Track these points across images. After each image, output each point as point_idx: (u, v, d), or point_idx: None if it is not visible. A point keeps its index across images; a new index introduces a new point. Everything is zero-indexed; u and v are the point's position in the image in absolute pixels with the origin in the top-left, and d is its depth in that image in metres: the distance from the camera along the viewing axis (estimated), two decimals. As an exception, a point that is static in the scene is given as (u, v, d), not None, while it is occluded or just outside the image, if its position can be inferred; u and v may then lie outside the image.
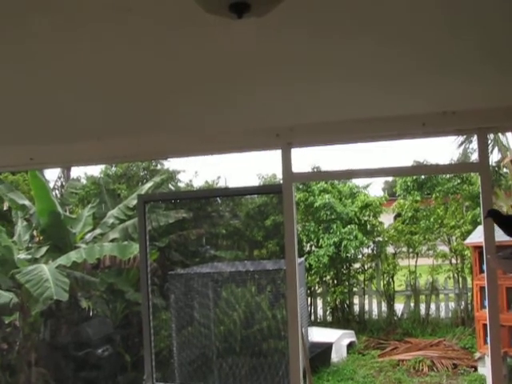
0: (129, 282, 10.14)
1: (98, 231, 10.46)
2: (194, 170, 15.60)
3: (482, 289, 8.98)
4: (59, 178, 13.30)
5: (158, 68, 2.97)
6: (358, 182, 14.44)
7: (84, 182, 13.16)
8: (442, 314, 13.19)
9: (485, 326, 7.56)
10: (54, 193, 11.96)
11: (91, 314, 10.68)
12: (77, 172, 13.92)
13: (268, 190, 9.92)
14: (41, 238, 10.32)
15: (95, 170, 13.71)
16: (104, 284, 10.20)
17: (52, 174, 15.39)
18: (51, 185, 12.42)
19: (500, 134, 13.17)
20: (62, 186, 12.84)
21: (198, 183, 13.84)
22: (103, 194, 11.51)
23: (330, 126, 4.20)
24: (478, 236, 9.18)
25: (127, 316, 10.49)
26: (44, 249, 9.66)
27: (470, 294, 12.37)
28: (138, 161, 11.86)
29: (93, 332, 9.61)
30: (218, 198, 12.63)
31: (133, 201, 10.26)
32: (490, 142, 13.27)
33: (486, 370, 9.12)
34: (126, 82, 3.20)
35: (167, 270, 10.19)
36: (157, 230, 10.78)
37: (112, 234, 10.26)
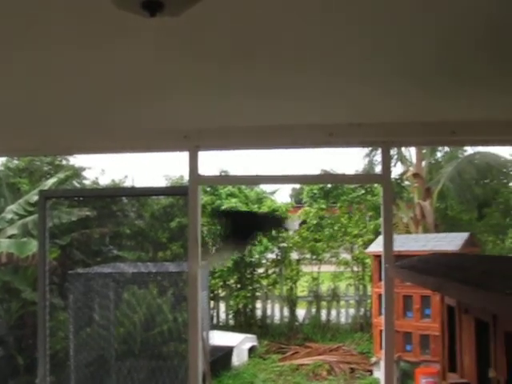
0: (26, 281, 9.74)
1: (-6, 226, 10.02)
2: (101, 168, 15.28)
3: (380, 296, 9.26)
4: (-47, 168, 12.64)
5: (70, 64, 2.87)
6: (266, 187, 14.62)
7: (-19, 174, 12.56)
8: (342, 320, 13.52)
9: (381, 331, 7.81)
10: None
11: (-18, 313, 10.21)
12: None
13: (174, 191, 9.83)
14: None
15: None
16: (-1, 282, 9.78)
17: None
18: None
19: (403, 148, 13.66)
20: (-43, 177, 12.20)
21: (104, 181, 13.55)
22: (2, 187, 11.02)
23: (238, 132, 4.21)
24: (378, 245, 9.47)
25: (22, 316, 10.07)
26: None
27: (369, 300, 12.74)
28: (42, 155, 11.45)
29: (-17, 333, 9.17)
30: (123, 198, 12.39)
31: (34, 196, 9.90)
32: (394, 155, 13.75)
33: (380, 373, 9.41)
34: (35, 74, 3.07)
35: (68, 269, 9.87)
36: (58, 228, 10.43)
37: (10, 229, 9.86)
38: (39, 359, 4.90)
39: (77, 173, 13.03)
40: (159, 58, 2.79)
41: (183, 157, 4.40)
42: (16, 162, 12.70)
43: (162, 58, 2.80)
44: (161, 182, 14.07)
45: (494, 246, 13.39)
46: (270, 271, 13.83)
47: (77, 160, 13.33)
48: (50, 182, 10.98)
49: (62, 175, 11.38)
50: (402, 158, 14.08)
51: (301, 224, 15.10)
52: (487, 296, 1.66)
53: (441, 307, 3.20)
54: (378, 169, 13.85)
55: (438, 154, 15.42)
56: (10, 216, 10.09)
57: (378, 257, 9.63)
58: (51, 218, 9.23)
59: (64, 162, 13.25)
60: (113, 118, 4.11)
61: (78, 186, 12.77)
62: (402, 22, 2.37)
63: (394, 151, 13.56)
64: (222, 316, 13.88)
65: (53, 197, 7.29)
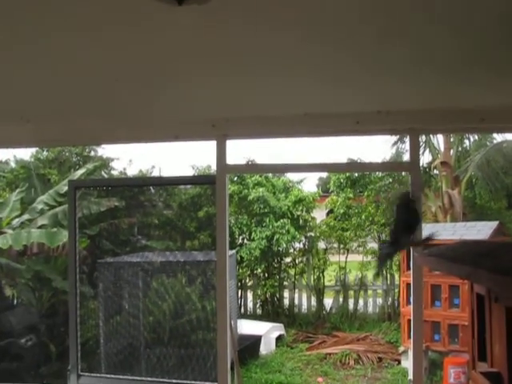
0: (57, 270, 9.89)
1: (25, 217, 10.15)
2: (129, 159, 15.37)
3: (408, 285, 9.21)
4: (-15, 160, 12.84)
5: (96, 54, 2.90)
6: (292, 176, 14.57)
7: (13, 165, 12.73)
8: (370, 310, 13.48)
9: (409, 321, 7.78)
10: (-21, 176, 11.56)
11: (15, 302, 10.38)
12: (5, 154, 13.44)
13: (201, 180, 9.85)
14: (-36, 222, 9.96)
15: (25, 154, 13.29)
16: (30, 271, 9.91)
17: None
18: (-24, 167, 11.98)
19: (431, 136, 13.52)
20: (-11, 168, 12.40)
21: (131, 172, 13.65)
22: (33, 178, 11.16)
23: (265, 120, 4.21)
24: (406, 234, 9.41)
25: (54, 305, 10.23)
26: (-33, 233, 9.32)
27: (397, 290, 12.68)
28: (71, 145, 11.57)
29: (16, 321, 9.30)
30: (151, 188, 12.47)
31: (64, 187, 10.01)
32: (421, 143, 13.61)
33: (408, 363, 9.38)
34: (62, 64, 3.10)
35: (97, 258, 9.99)
36: (88, 218, 10.54)
37: (41, 220, 10.00)
38: (71, 347, 4.99)
39: (105, 163, 13.15)
40: (186, 46, 2.79)
41: (210, 146, 4.43)
42: (45, 153, 12.87)
43: (188, 46, 2.80)
44: (188, 172, 14.13)
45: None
46: (297, 260, 13.82)
47: (105, 151, 13.48)
48: (79, 172, 11.10)
49: (90, 166, 11.49)
50: (429, 147, 13.94)
51: (328, 213, 15.06)
52: (518, 283, 1.65)
53: (470, 296, 3.17)
54: (406, 157, 13.75)
55: (466, 142, 15.23)
56: (40, 206, 10.22)
57: (406, 246, 9.56)
58: (81, 209, 9.35)
59: (92, 153, 13.39)
60: (140, 108, 4.14)
61: (106, 176, 12.90)
62: (429, 10, 2.35)
63: (421, 139, 13.43)
64: (250, 305, 13.94)
65: (82, 186, 7.38)
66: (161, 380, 7.38)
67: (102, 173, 12.85)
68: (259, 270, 13.58)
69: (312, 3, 2.31)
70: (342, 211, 13.59)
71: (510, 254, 2.24)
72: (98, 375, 6.01)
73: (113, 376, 6.09)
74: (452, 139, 13.61)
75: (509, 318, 2.41)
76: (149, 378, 8.09)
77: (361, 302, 13.47)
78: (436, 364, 9.41)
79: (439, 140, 13.65)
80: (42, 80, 3.38)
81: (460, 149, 14.66)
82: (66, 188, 9.51)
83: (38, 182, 11.18)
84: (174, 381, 6.93)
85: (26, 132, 4.60)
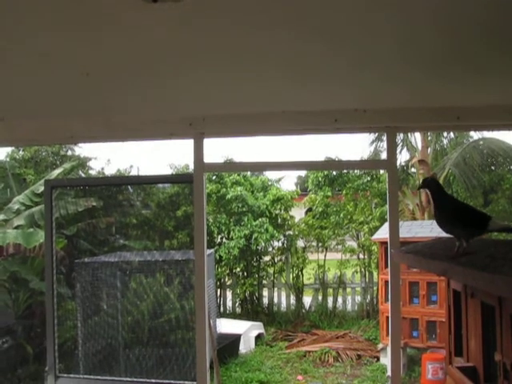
0: (33, 271, 9.78)
1: (1, 217, 10.03)
2: (107, 158, 15.29)
3: (386, 283, 9.27)
4: (-40, 159, 12.67)
5: (72, 52, 2.86)
6: (271, 175, 14.62)
7: (-12, 165, 12.59)
8: (349, 307, 13.56)
9: (388, 318, 7.83)
10: (-47, 175, 11.38)
11: (-9, 304, 10.26)
12: (-20, 155, 13.27)
13: (179, 179, 9.84)
14: None
15: (0, 153, 13.16)
16: (6, 272, 9.79)
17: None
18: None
19: (409, 134, 13.61)
20: (-37, 168, 12.23)
21: (109, 171, 13.59)
22: (8, 178, 11.04)
23: (242, 118, 4.20)
24: (384, 232, 9.48)
25: (30, 306, 10.13)
26: None
27: (375, 287, 12.77)
28: (46, 145, 11.47)
29: (-9, 323, 9.22)
30: (129, 187, 12.41)
31: (40, 187, 9.92)
32: (399, 141, 13.70)
33: (387, 359, 9.44)
34: (36, 62, 3.06)
35: (75, 258, 9.90)
36: (65, 218, 10.45)
37: (17, 220, 9.88)
38: (48, 348, 4.94)
39: (82, 163, 13.06)
40: (162, 44, 2.78)
41: (188, 145, 4.41)
42: (21, 152, 12.74)
43: (165, 44, 2.78)
44: (166, 171, 14.11)
45: (500, 233, 13.35)
46: (276, 259, 13.86)
47: (82, 150, 13.39)
48: (56, 172, 11.00)
49: (67, 166, 11.40)
50: (407, 145, 14.04)
51: (306, 212, 15.11)
52: (493, 279, 1.67)
53: (447, 292, 3.20)
54: (384, 156, 13.83)
55: (444, 141, 15.36)
56: (16, 207, 10.11)
57: (384, 244, 9.64)
58: (58, 209, 9.27)
59: (69, 153, 13.30)
60: (117, 106, 4.11)
61: (83, 176, 12.81)
62: (408, 7, 2.36)
63: (399, 138, 13.53)
64: (229, 304, 13.94)
65: (58, 186, 7.31)
66: (140, 380, 7.34)
67: (80, 172, 12.76)
68: (238, 269, 13.60)
69: (289, 1, 2.31)
70: (320, 210, 13.65)
71: (485, 250, 2.26)
72: (77, 376, 5.95)
73: (91, 377, 6.05)
74: (429, 137, 13.72)
75: (484, 314, 2.44)
76: (128, 379, 8.05)
77: (340, 299, 13.55)
78: (414, 360, 9.50)
79: (417, 138, 13.76)
80: (15, 78, 3.33)
81: (437, 147, 14.78)
82: (42, 188, 9.42)
83: (13, 181, 11.06)
84: (153, 380, 6.89)
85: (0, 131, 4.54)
